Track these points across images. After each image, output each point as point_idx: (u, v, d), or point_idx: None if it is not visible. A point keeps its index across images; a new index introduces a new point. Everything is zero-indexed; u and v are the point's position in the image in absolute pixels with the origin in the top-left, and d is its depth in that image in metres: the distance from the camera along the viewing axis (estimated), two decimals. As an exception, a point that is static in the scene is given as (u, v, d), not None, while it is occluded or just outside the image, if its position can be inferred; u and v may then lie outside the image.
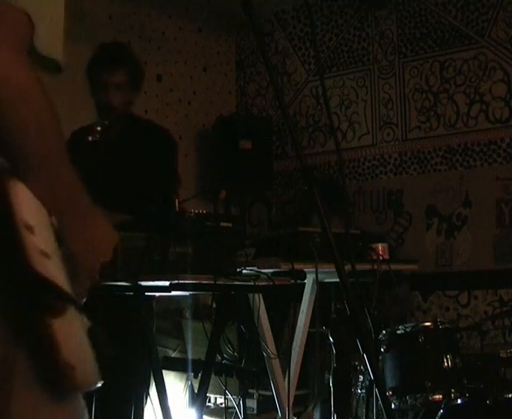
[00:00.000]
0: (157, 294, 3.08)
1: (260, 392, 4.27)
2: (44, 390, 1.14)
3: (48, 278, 1.10)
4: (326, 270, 3.12)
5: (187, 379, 4.06)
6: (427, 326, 3.46)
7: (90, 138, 3.11)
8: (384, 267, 3.38)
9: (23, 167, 1.15)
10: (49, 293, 1.10)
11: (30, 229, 1.11)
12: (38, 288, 1.10)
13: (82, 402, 1.23)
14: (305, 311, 3.59)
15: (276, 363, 3.36)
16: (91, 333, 1.21)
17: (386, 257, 3.48)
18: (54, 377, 1.13)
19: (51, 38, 1.28)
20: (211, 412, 4.37)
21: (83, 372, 1.16)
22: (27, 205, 1.13)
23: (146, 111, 5.37)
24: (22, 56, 1.14)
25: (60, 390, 1.15)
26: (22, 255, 1.09)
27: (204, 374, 2.90)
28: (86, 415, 1.23)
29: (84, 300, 1.29)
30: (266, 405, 4.21)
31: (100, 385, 1.20)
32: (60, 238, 1.20)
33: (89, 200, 1.27)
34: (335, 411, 3.41)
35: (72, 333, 1.15)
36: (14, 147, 1.14)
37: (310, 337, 3.60)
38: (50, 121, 1.18)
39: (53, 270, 1.13)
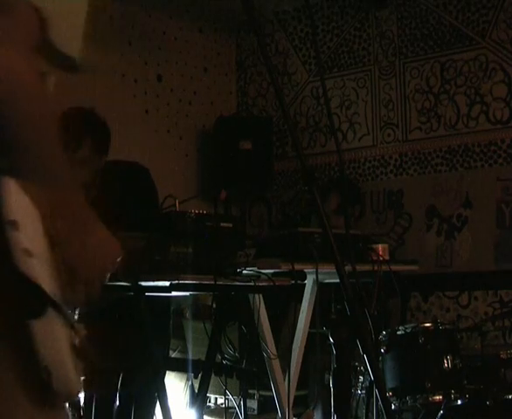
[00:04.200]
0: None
1: (261, 392, 4.27)
2: (23, 395, 1.11)
3: (27, 277, 1.08)
4: (326, 270, 3.13)
5: (187, 379, 4.06)
6: (427, 326, 3.46)
7: None
8: (385, 268, 3.38)
9: (18, 165, 1.13)
10: (28, 292, 1.09)
11: (13, 224, 1.09)
12: (17, 286, 1.08)
13: (66, 411, 1.21)
14: (305, 311, 3.59)
15: (276, 363, 3.36)
16: (83, 344, 1.20)
17: (386, 257, 3.48)
18: (31, 381, 1.10)
19: (70, 35, 1.27)
20: (211, 412, 4.37)
21: (60, 379, 1.12)
22: (14, 201, 1.11)
23: (146, 111, 5.38)
24: (26, 52, 1.13)
25: (39, 396, 1.12)
26: (3, 251, 1.08)
27: (204, 375, 2.90)
28: None
29: (79, 310, 1.27)
30: (267, 405, 4.21)
31: (79, 396, 1.17)
32: (55, 243, 1.18)
33: (90, 209, 1.25)
34: (335, 412, 3.41)
35: (51, 336, 1.12)
36: (10, 144, 1.12)
37: (310, 337, 3.60)
38: (50, 123, 1.17)
39: (36, 269, 1.10)
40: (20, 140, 1.12)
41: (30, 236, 1.12)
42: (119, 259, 1.30)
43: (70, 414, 1.21)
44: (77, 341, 1.19)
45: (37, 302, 1.09)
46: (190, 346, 4.01)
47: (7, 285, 1.08)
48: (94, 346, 1.24)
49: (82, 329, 1.22)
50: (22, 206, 1.12)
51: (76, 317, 1.24)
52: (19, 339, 1.09)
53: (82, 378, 1.19)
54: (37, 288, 1.09)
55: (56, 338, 1.13)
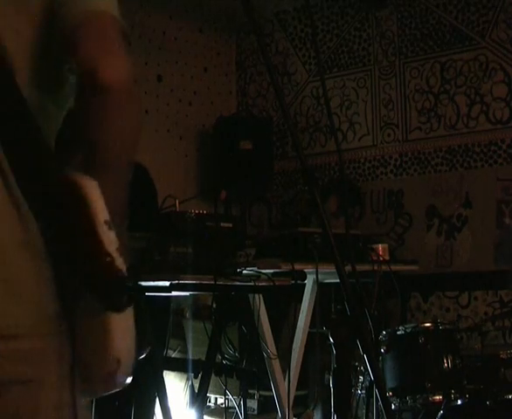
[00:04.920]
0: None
1: (261, 392, 4.27)
2: (77, 383, 1.16)
3: (122, 273, 1.13)
4: (326, 270, 3.13)
5: (187, 379, 4.06)
6: (427, 326, 3.46)
7: None
8: (385, 268, 3.38)
9: (97, 163, 1.17)
10: (119, 287, 1.12)
11: (108, 224, 1.11)
12: (111, 281, 1.11)
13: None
14: (305, 311, 3.59)
15: (276, 363, 3.36)
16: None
17: (386, 257, 3.48)
18: (100, 370, 1.15)
19: None
20: (211, 412, 4.37)
21: (125, 369, 1.17)
22: (102, 202, 1.13)
23: (146, 111, 5.38)
24: (129, 60, 1.20)
25: (89, 384, 1.17)
26: (102, 250, 1.10)
27: (204, 374, 2.90)
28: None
29: None
30: (267, 405, 4.21)
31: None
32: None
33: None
34: (335, 412, 3.41)
35: (127, 328, 1.17)
36: (109, 147, 1.17)
37: (310, 337, 3.60)
38: (134, 130, 1.24)
39: (123, 266, 1.14)
40: (122, 144, 1.21)
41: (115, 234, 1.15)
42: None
43: None
44: None
45: (127, 296, 1.12)
46: (190, 346, 4.01)
47: (100, 281, 1.11)
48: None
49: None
50: (104, 205, 1.14)
51: None
52: (91, 328, 1.13)
53: None
54: (128, 284, 1.14)
55: (130, 329, 1.18)
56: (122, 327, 1.15)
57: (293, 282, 2.99)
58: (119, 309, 1.11)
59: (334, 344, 3.43)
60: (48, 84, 1.23)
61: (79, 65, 1.19)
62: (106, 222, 1.12)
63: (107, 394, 1.22)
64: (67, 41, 1.19)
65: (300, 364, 3.56)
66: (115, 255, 1.12)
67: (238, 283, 2.82)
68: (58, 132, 1.26)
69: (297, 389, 3.58)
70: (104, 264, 1.09)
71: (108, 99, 1.16)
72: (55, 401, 1.16)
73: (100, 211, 1.12)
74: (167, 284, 2.63)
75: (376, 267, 3.37)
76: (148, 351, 1.26)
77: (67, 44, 1.19)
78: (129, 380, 1.20)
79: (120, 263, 1.12)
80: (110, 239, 1.12)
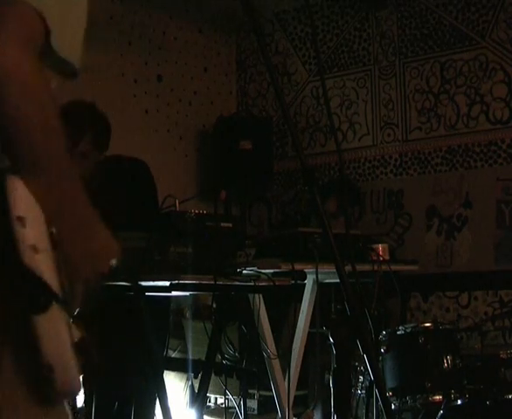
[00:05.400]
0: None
1: (261, 392, 4.27)
2: (24, 392, 1.12)
3: (34, 272, 1.09)
4: (326, 270, 3.13)
5: (187, 379, 4.06)
6: (427, 326, 3.46)
7: None
8: (385, 268, 3.38)
9: (23, 165, 1.14)
10: (34, 287, 1.09)
11: (21, 221, 1.10)
12: (23, 281, 1.08)
13: (67, 409, 1.21)
14: (305, 311, 3.59)
15: (276, 363, 3.36)
16: (83, 342, 1.20)
17: (386, 257, 3.48)
18: (34, 377, 1.11)
19: (71, 42, 1.28)
20: (211, 412, 4.37)
21: (62, 376, 1.13)
22: (22, 199, 1.12)
23: (146, 111, 5.38)
24: (30, 53, 1.13)
25: (40, 394, 1.13)
26: (11, 247, 1.09)
27: (204, 374, 2.90)
28: None
29: (78, 308, 1.27)
30: (267, 405, 4.21)
31: (79, 394, 1.17)
32: (56, 242, 1.19)
33: (92, 210, 1.26)
34: (335, 412, 3.41)
35: (54, 332, 1.13)
36: (16, 144, 1.13)
37: (310, 337, 3.60)
38: (54, 123, 1.18)
39: (41, 265, 1.11)
40: (27, 139, 1.13)
41: (36, 233, 1.13)
42: (117, 260, 1.31)
43: (70, 412, 1.22)
44: (77, 339, 1.19)
45: (42, 297, 1.10)
46: (190, 346, 4.01)
47: (13, 279, 1.09)
48: (94, 345, 1.24)
49: (82, 327, 1.22)
50: (28, 203, 1.13)
51: (75, 314, 1.24)
52: (23, 334, 1.10)
53: (81, 376, 1.19)
54: (43, 283, 1.10)
55: (59, 334, 1.14)
56: (53, 331, 1.11)
57: (293, 282, 2.99)
58: (36, 311, 1.08)
59: (334, 344, 3.43)
60: None
61: None
62: (18, 218, 1.11)
63: (63, 401, 1.18)
64: None
65: (300, 364, 3.56)
66: (27, 252, 1.09)
67: (238, 283, 2.82)
68: None
69: (297, 389, 3.58)
70: (18, 263, 1.08)
71: None
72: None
73: (15, 207, 1.10)
74: (167, 284, 2.63)
75: (376, 267, 3.36)
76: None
77: None
78: (77, 389, 1.17)
79: (35, 262, 1.10)
80: (23, 236, 1.10)
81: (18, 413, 1.12)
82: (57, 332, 1.13)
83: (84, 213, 1.24)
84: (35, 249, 1.11)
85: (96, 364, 1.22)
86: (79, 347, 1.18)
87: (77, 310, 1.25)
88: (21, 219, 1.10)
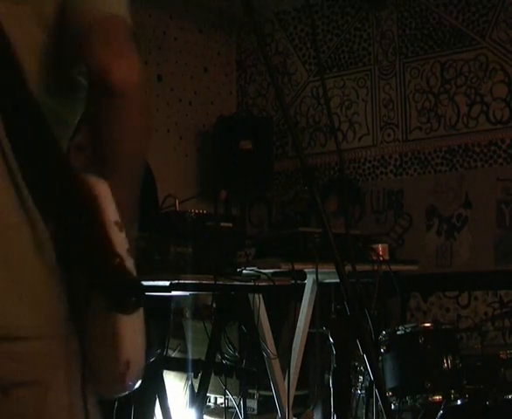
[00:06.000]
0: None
1: (261, 392, 4.27)
2: (87, 387, 1.17)
3: (132, 274, 1.12)
4: (326, 270, 3.13)
5: (187, 379, 4.06)
6: (427, 326, 3.46)
7: None
8: (385, 268, 3.38)
9: (108, 165, 1.17)
10: (131, 288, 1.11)
11: (119, 225, 1.11)
12: (121, 283, 1.10)
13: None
14: (305, 311, 3.59)
15: (276, 363, 3.36)
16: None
17: (386, 257, 3.48)
18: (110, 372, 1.15)
19: None
20: (211, 412, 4.36)
21: (135, 371, 1.17)
22: (113, 203, 1.14)
23: (146, 112, 5.37)
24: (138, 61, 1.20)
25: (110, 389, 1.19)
26: (113, 251, 1.10)
27: (204, 374, 2.90)
28: None
29: None
30: (267, 405, 4.20)
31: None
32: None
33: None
34: (334, 412, 3.41)
35: (136, 330, 1.16)
36: (117, 152, 1.17)
37: (310, 337, 3.60)
38: (144, 131, 1.24)
39: (132, 267, 1.14)
40: (129, 149, 1.21)
41: (126, 236, 1.15)
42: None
43: None
44: None
45: (136, 297, 1.11)
46: (189, 346, 4.01)
47: (110, 282, 1.10)
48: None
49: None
50: (115, 206, 1.14)
51: None
52: (103, 330, 1.13)
53: None
54: (139, 285, 1.12)
55: (139, 332, 1.17)
56: (132, 329, 1.14)
57: (293, 282, 2.99)
58: (128, 311, 1.11)
59: (334, 344, 3.43)
60: (58, 86, 1.23)
61: (91, 68, 1.19)
62: (116, 223, 1.12)
63: (116, 396, 1.22)
64: (77, 43, 1.19)
65: (300, 364, 3.56)
66: (125, 256, 1.11)
67: (238, 283, 2.82)
68: (71, 135, 1.26)
69: (297, 389, 3.58)
70: (114, 265, 1.09)
71: (120, 102, 1.17)
72: (65, 403, 1.16)
73: (111, 212, 1.12)
74: (167, 283, 2.63)
75: (376, 267, 3.36)
76: (156, 355, 1.27)
77: (77, 46, 1.19)
78: (139, 382, 1.20)
79: (130, 264, 1.12)
80: (120, 240, 1.12)
81: (87, 406, 1.17)
82: (138, 329, 1.17)
83: (133, 217, 1.26)
84: (129, 252, 1.13)
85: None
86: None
87: None
88: (119, 224, 1.12)
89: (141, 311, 1.15)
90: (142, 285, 1.13)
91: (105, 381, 1.18)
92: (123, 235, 1.13)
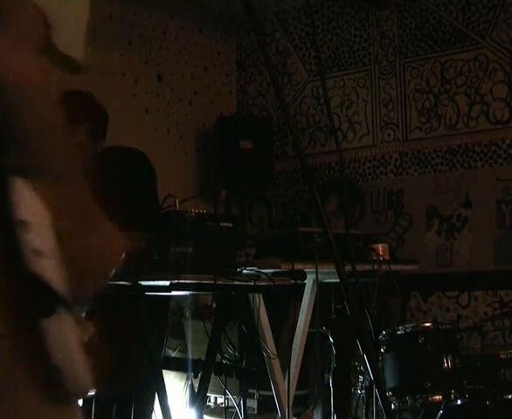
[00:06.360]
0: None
1: (261, 392, 4.27)
2: (33, 394, 1.13)
3: (38, 276, 1.10)
4: (326, 270, 3.13)
5: (187, 379, 4.06)
6: (427, 326, 3.47)
7: None
8: (385, 268, 3.38)
9: (27, 164, 1.14)
10: (39, 291, 1.10)
11: (24, 224, 1.10)
12: (28, 286, 1.09)
13: (78, 409, 1.22)
14: (305, 311, 3.59)
15: (276, 363, 3.36)
16: (92, 342, 1.21)
17: (386, 257, 3.48)
18: (41, 380, 1.12)
19: (73, 37, 1.28)
20: (211, 412, 4.37)
21: (71, 377, 1.14)
22: (23, 200, 1.12)
23: (146, 110, 5.38)
24: (33, 49, 1.14)
25: (50, 395, 1.14)
26: (15, 252, 1.09)
27: (204, 374, 2.90)
28: None
29: (87, 306, 1.27)
30: (267, 405, 4.21)
31: (91, 393, 1.19)
32: (64, 239, 1.19)
33: (96, 202, 1.26)
34: (335, 411, 3.41)
35: (62, 335, 1.13)
36: (20, 143, 1.13)
37: (310, 337, 3.59)
38: (57, 120, 1.18)
39: (46, 269, 1.11)
40: (29, 139, 1.13)
41: (40, 236, 1.13)
42: (124, 254, 1.32)
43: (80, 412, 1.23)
44: (86, 339, 1.20)
45: (48, 301, 1.10)
46: (189, 346, 4.01)
47: (18, 285, 1.09)
48: (104, 343, 1.25)
49: (91, 327, 1.22)
50: (31, 205, 1.13)
51: (83, 314, 1.25)
52: (31, 338, 1.11)
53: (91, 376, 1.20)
54: (47, 287, 1.10)
55: (66, 336, 1.15)
56: (58, 334, 1.13)
57: (293, 282, 2.99)
58: (41, 315, 1.10)
59: (334, 344, 3.43)
60: None
61: None
62: (22, 222, 1.11)
63: (75, 401, 1.20)
64: None
65: (300, 364, 3.56)
66: (33, 258, 1.10)
67: (238, 282, 2.82)
68: None
69: (297, 389, 3.58)
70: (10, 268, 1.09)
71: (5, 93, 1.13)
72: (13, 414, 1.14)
73: (17, 211, 1.11)
74: (167, 283, 2.63)
75: (376, 267, 3.36)
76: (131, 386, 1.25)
77: None
78: (87, 389, 1.18)
79: (40, 266, 1.11)
80: (27, 241, 1.10)
81: (27, 414, 1.13)
82: (63, 334, 1.14)
83: (87, 207, 1.24)
84: (39, 253, 1.11)
85: (107, 363, 1.24)
86: (89, 347, 1.19)
87: (86, 308, 1.26)
88: (24, 223, 1.11)
89: (69, 315, 1.13)
90: (51, 288, 1.11)
91: (48, 389, 1.16)
92: (28, 234, 1.11)
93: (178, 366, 3.88)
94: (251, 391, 4.25)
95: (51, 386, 1.14)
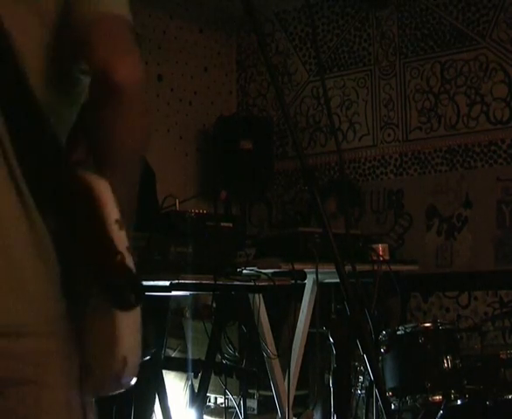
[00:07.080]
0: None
1: (261, 392, 4.27)
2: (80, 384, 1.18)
3: (133, 272, 1.13)
4: (326, 270, 3.13)
5: (187, 379, 4.06)
6: (427, 326, 3.47)
7: None
8: (385, 268, 3.38)
9: (108, 162, 1.17)
10: (131, 285, 1.12)
11: (119, 223, 1.12)
12: (121, 280, 1.11)
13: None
14: (305, 311, 3.59)
15: (276, 363, 3.36)
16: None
17: (386, 257, 3.48)
18: (107, 369, 1.15)
19: None
20: (211, 412, 4.37)
21: (131, 369, 1.17)
22: (113, 201, 1.14)
23: (146, 110, 5.37)
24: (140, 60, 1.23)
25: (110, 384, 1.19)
26: (113, 249, 1.11)
27: (204, 374, 2.90)
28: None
29: None
30: (267, 405, 4.21)
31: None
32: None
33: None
34: (335, 411, 3.41)
35: (134, 328, 1.17)
36: (114, 149, 1.18)
37: (310, 337, 3.60)
38: (145, 129, 1.28)
39: (132, 264, 1.15)
40: (127, 146, 1.23)
41: (126, 233, 1.16)
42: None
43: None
44: None
45: (135, 295, 1.12)
46: (189, 346, 4.01)
47: (110, 279, 1.11)
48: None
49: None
50: (115, 204, 1.15)
51: None
52: (101, 328, 1.14)
53: None
54: (139, 283, 1.13)
55: (137, 329, 1.18)
56: (129, 326, 1.15)
57: (293, 282, 2.99)
58: (127, 307, 1.11)
59: (334, 344, 3.43)
60: (59, 84, 1.23)
61: (93, 65, 1.19)
62: (117, 221, 1.12)
63: (112, 394, 1.22)
64: (80, 41, 1.20)
65: (300, 364, 3.56)
66: (126, 254, 1.12)
67: (238, 282, 2.82)
68: (69, 132, 1.26)
69: (297, 389, 3.58)
70: (114, 263, 1.10)
71: (121, 99, 1.17)
72: (63, 401, 1.16)
73: (112, 210, 1.12)
74: (167, 283, 2.63)
75: (376, 267, 3.37)
76: (151, 353, 1.27)
77: (80, 45, 1.20)
78: (134, 380, 1.20)
79: (129, 261, 1.13)
80: (121, 238, 1.12)
81: (84, 405, 1.19)
82: (135, 327, 1.17)
83: (131, 213, 1.27)
84: (129, 250, 1.14)
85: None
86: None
87: None
88: (119, 222, 1.12)
89: (138, 309, 1.15)
90: (142, 283, 1.13)
91: (101, 377, 1.18)
92: (123, 233, 1.13)
93: (178, 366, 3.88)
94: (251, 391, 4.25)
95: (105, 378, 1.17)
